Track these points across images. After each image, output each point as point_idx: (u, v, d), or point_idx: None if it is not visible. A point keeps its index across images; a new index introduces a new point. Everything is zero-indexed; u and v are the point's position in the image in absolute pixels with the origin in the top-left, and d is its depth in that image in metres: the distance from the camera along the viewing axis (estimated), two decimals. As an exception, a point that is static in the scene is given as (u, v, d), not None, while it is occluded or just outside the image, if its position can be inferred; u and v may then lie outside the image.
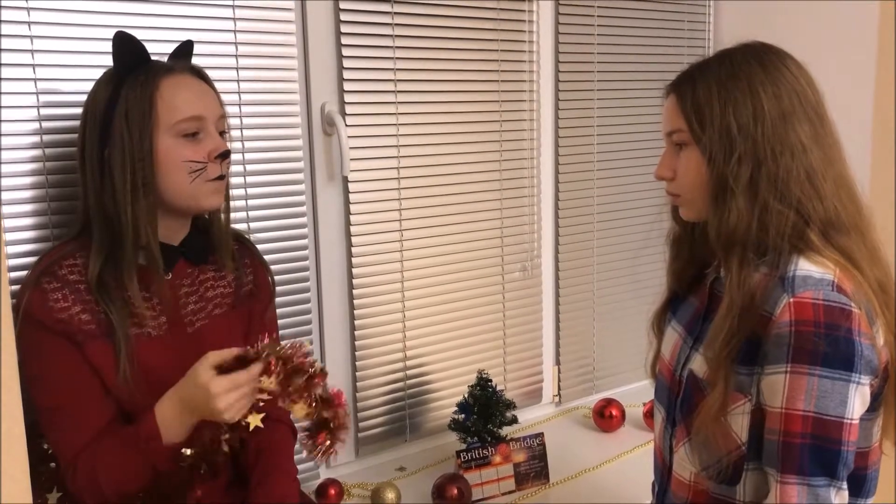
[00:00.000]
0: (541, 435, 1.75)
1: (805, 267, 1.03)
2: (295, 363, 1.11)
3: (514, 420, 1.78)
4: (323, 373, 1.14)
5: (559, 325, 2.10)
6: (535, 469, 1.73)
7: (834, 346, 0.98)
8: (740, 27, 2.17)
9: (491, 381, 1.77)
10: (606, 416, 1.98)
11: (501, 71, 1.90)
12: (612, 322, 2.19)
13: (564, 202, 2.06)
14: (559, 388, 2.13)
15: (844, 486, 1.01)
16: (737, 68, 1.08)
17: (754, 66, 1.08)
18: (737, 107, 1.06)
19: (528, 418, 2.05)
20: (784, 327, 1.00)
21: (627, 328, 2.19)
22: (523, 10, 1.91)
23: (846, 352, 0.98)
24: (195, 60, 1.30)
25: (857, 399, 1.00)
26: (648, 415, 1.98)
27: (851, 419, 0.99)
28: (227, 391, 1.07)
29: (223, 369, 1.09)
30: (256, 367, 1.09)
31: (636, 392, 2.14)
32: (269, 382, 1.09)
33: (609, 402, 2.00)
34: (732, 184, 1.05)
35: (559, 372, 2.13)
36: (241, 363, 1.10)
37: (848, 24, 1.91)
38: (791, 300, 1.01)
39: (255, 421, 1.14)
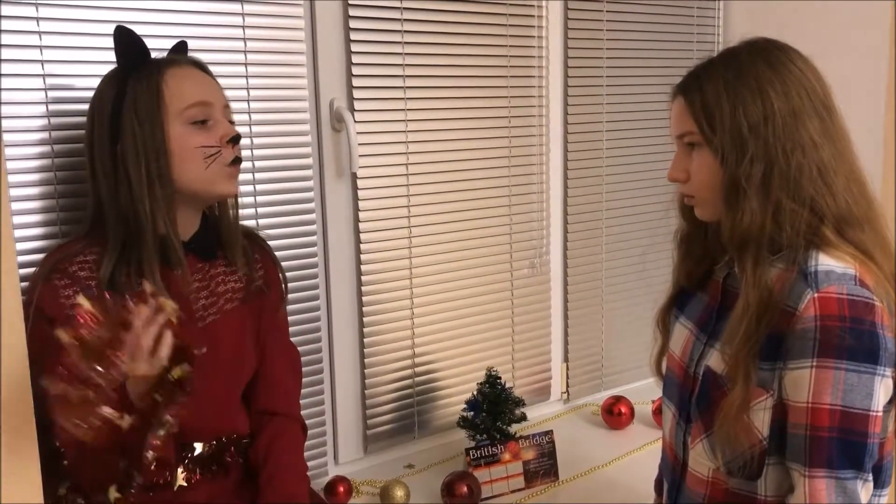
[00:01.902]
0: (550, 432, 1.74)
1: (826, 262, 1.03)
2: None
3: (523, 417, 1.78)
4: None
5: (568, 322, 2.09)
6: (544, 466, 1.72)
7: (859, 339, 0.98)
8: (749, 26, 2.14)
9: (500, 378, 1.77)
10: (615, 414, 1.98)
11: (511, 66, 1.89)
12: (620, 319, 2.18)
13: (573, 199, 2.05)
14: (568, 386, 2.13)
15: (870, 478, 1.02)
16: (743, 67, 1.07)
17: (761, 65, 1.07)
18: (746, 107, 1.05)
19: (537, 415, 2.04)
20: (809, 322, 1.00)
21: (636, 325, 2.17)
22: (532, 6, 1.90)
23: (871, 345, 0.98)
24: (205, 57, 1.30)
25: (882, 391, 1.00)
26: (657, 412, 1.97)
27: (877, 411, 1.00)
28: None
29: None
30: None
31: (645, 389, 2.13)
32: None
33: (618, 400, 2.00)
34: (745, 184, 1.05)
35: (568, 369, 2.12)
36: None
37: (858, 23, 1.89)
38: (816, 295, 1.00)
39: (178, 373, 1.05)
